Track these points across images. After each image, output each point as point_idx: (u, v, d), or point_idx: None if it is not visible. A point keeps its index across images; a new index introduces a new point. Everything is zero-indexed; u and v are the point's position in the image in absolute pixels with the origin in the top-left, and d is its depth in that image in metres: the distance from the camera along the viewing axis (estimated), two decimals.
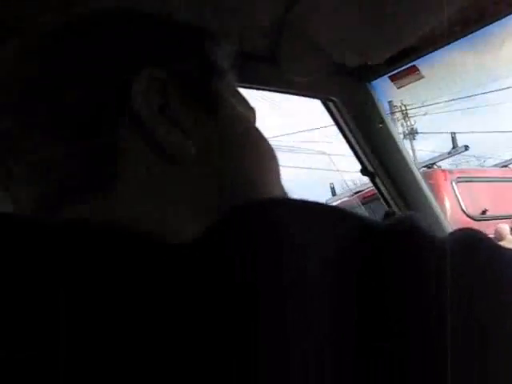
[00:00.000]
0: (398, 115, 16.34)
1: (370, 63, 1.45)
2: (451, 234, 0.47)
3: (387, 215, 0.59)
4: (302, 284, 0.41)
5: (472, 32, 1.41)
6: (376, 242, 0.43)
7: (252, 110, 0.69)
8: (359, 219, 0.46)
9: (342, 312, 0.40)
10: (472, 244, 0.45)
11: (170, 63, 0.59)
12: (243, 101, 0.68)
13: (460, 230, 0.48)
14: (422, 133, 16.85)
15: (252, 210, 0.47)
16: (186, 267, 0.43)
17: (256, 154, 0.63)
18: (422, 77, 1.57)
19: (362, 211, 5.72)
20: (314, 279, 0.41)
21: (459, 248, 0.44)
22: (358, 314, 0.40)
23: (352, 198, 7.11)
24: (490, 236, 1.17)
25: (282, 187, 0.65)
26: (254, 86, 1.38)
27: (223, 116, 0.61)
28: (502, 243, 1.08)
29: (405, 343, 0.39)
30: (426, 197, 1.70)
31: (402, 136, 16.09)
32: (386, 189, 1.67)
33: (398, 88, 1.60)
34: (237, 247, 0.43)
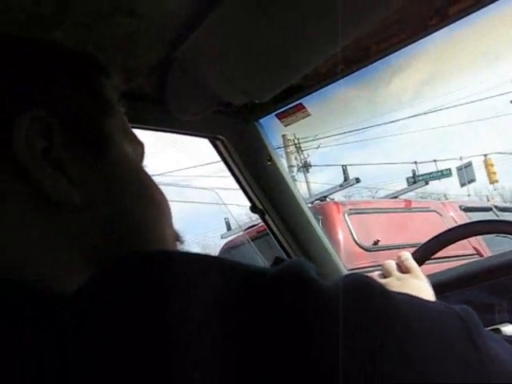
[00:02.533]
0: (292, 148, 16.68)
1: (256, 101, 1.45)
2: (340, 280, 0.46)
3: (276, 261, 0.59)
4: (181, 334, 0.40)
5: (356, 70, 1.44)
6: (261, 290, 0.43)
7: (141, 145, 0.67)
8: (244, 269, 0.46)
9: (227, 354, 0.40)
10: (363, 290, 0.45)
11: (56, 101, 0.57)
12: (132, 136, 0.66)
13: (349, 275, 0.48)
14: (315, 165, 17.27)
15: (133, 262, 0.46)
16: (65, 318, 0.42)
17: (145, 199, 0.61)
18: (309, 114, 1.59)
19: (251, 246, 5.75)
20: (195, 331, 0.40)
21: (350, 295, 0.44)
22: (242, 357, 0.40)
23: (244, 232, 7.11)
24: (378, 272, 1.17)
25: (172, 229, 0.64)
26: (141, 126, 1.35)
27: (112, 159, 0.59)
28: (389, 280, 1.09)
29: None
30: (315, 232, 1.72)
31: (295, 169, 16.43)
32: (276, 226, 1.68)
33: (286, 126, 1.61)
34: (115, 298, 0.42)
